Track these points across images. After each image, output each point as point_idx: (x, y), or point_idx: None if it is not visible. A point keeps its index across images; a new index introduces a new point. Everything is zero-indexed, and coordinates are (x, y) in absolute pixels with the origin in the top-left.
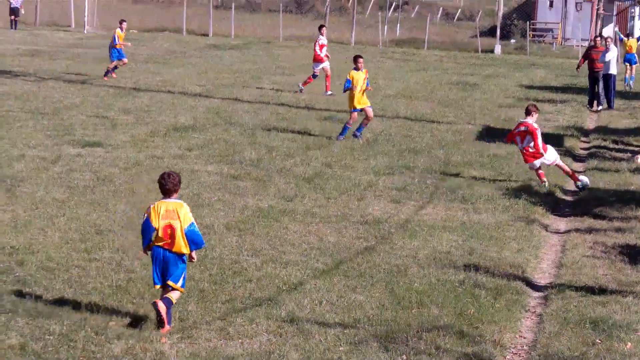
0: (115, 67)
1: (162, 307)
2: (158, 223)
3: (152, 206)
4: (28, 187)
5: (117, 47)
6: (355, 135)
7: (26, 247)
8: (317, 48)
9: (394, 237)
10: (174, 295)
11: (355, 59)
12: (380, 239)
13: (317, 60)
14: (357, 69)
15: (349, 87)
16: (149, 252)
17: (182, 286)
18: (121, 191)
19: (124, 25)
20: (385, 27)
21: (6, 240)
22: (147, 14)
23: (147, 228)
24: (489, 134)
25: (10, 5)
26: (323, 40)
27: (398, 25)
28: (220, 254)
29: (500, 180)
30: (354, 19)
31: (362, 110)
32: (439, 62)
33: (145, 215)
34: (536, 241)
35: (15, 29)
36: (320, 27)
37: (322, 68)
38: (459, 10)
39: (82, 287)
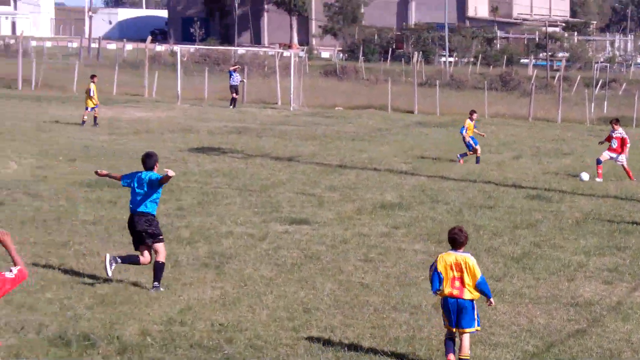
0: (465, 154)
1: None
2: (446, 273)
3: (440, 256)
4: (236, 264)
5: (466, 137)
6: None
7: (235, 324)
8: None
9: (606, 320)
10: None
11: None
12: (591, 322)
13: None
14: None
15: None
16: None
17: (478, 324)
18: (328, 269)
19: (475, 115)
20: (592, 104)
21: (215, 317)
22: (353, 92)
23: (435, 276)
24: None
25: (230, 83)
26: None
27: (605, 102)
28: (429, 334)
29: None
30: (560, 96)
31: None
32: None
33: (434, 265)
34: None
35: (235, 106)
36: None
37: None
38: None
39: None
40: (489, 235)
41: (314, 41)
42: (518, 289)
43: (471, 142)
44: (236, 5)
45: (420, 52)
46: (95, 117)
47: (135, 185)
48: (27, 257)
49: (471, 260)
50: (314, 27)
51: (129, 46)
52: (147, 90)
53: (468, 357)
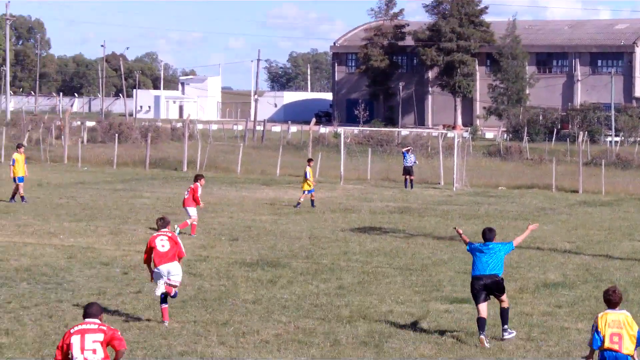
0: None
1: None
2: (605, 331)
3: (599, 316)
4: (396, 343)
5: None
6: None
7: None
8: None
9: None
10: None
11: None
12: None
13: None
14: None
15: None
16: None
17: None
18: (490, 349)
19: None
20: None
21: None
22: (517, 171)
23: (595, 335)
24: None
25: (404, 164)
26: None
27: None
28: None
29: None
30: None
31: None
32: None
33: (594, 325)
34: None
35: (412, 188)
36: None
37: None
38: None
39: None
40: None
41: (478, 122)
42: None
43: None
44: (401, 87)
45: (586, 132)
46: (312, 200)
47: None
48: (188, 336)
49: (628, 316)
50: (478, 108)
51: (294, 128)
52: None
53: None
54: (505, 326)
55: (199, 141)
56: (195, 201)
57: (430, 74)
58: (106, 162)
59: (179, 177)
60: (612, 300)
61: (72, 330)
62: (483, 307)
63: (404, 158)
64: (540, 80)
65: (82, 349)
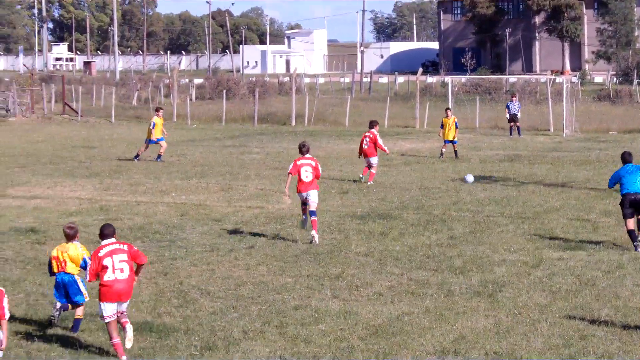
0: None
1: None
2: None
3: None
4: (510, 292)
5: None
6: None
7: (509, 353)
8: None
9: None
10: None
11: None
12: None
13: None
14: None
15: None
16: None
17: None
18: (604, 295)
19: None
20: None
21: (489, 346)
22: (627, 116)
23: None
24: None
25: (508, 111)
26: None
27: None
28: None
29: None
30: None
31: None
32: None
33: None
34: None
35: (519, 134)
36: None
37: None
38: None
39: None
40: None
41: (586, 66)
42: None
43: None
44: (508, 34)
45: None
46: (455, 151)
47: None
48: (301, 290)
49: None
50: (586, 53)
51: (400, 79)
52: (418, 121)
53: None
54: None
55: (307, 95)
56: (380, 149)
57: (537, 20)
58: (215, 119)
59: (287, 131)
60: None
61: (100, 254)
62: (630, 221)
63: (507, 107)
64: None
65: (114, 269)
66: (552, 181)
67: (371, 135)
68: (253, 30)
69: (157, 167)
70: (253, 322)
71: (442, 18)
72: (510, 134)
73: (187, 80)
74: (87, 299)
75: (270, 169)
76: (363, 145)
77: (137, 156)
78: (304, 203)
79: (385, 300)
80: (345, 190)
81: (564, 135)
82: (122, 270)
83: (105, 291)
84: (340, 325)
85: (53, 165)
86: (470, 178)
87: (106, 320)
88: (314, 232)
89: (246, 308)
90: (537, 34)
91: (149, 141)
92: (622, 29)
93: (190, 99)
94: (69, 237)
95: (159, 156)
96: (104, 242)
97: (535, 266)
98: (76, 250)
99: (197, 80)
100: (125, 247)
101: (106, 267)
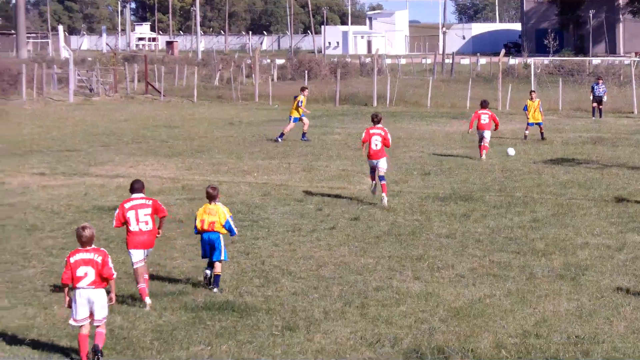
0: None
1: None
2: None
3: None
4: (592, 276)
5: None
6: None
7: (591, 337)
8: None
9: None
10: None
11: None
12: None
13: None
14: None
15: None
16: None
17: None
18: None
19: None
20: None
21: (571, 329)
22: None
23: None
24: None
25: (593, 94)
26: None
27: None
28: None
29: None
30: None
31: None
32: None
33: None
34: None
35: (600, 117)
36: None
37: None
38: None
39: None
40: None
41: None
42: None
43: None
44: (591, 15)
45: None
46: (541, 133)
47: None
48: (382, 271)
49: None
50: None
51: (482, 60)
52: (500, 103)
53: None
54: None
55: (388, 76)
56: (496, 125)
57: (621, 0)
58: None
59: (369, 112)
60: None
61: (126, 206)
62: None
63: (592, 89)
64: None
65: (137, 221)
66: (636, 164)
67: (490, 113)
68: (334, 10)
69: (239, 147)
70: (334, 302)
71: None
72: (593, 116)
73: (268, 60)
74: (225, 259)
75: (352, 150)
76: (481, 121)
77: (281, 135)
78: (373, 170)
79: (466, 283)
80: (427, 171)
81: None
82: (146, 222)
83: (131, 240)
84: (421, 307)
85: (135, 145)
86: (511, 151)
87: (135, 267)
88: (383, 195)
89: (327, 289)
90: (620, 16)
91: (294, 119)
92: None
93: (272, 79)
94: (212, 198)
95: (304, 134)
96: (133, 195)
97: (619, 249)
98: (218, 209)
99: (279, 61)
100: (150, 202)
101: (129, 219)
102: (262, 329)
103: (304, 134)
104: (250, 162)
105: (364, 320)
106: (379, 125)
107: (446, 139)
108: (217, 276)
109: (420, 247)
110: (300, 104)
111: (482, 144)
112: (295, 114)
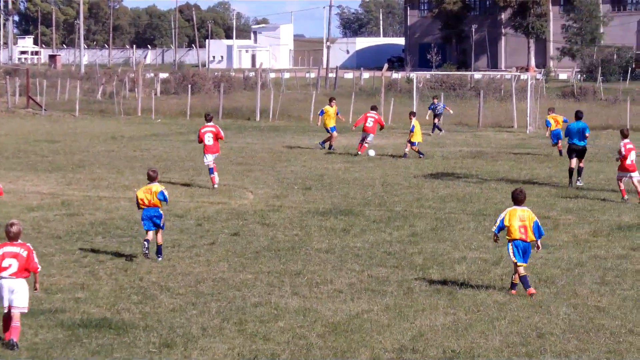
0: None
1: None
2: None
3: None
4: (469, 290)
5: None
6: None
7: (467, 351)
8: None
9: None
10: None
11: None
12: None
13: None
14: None
15: None
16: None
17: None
18: (563, 292)
19: None
20: None
21: (447, 344)
22: (591, 112)
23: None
24: None
25: (434, 111)
26: None
27: None
28: None
29: None
30: None
31: None
32: None
33: None
34: None
35: (440, 131)
36: None
37: None
38: None
39: None
40: None
41: (551, 63)
42: None
43: None
44: (473, 30)
45: None
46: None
47: None
48: (261, 287)
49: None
50: (551, 49)
51: (366, 75)
52: (382, 117)
53: None
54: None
55: (272, 90)
56: (382, 126)
57: (504, 16)
58: (179, 114)
59: (252, 126)
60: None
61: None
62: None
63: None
64: (615, 18)
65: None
66: (515, 178)
67: (376, 117)
68: (219, 24)
69: (120, 162)
70: (212, 319)
71: (408, 14)
72: (432, 131)
73: (152, 74)
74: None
75: (234, 164)
76: (367, 123)
77: (329, 146)
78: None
79: (345, 298)
80: (309, 186)
81: (528, 132)
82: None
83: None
84: (299, 322)
85: (16, 160)
86: (372, 152)
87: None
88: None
89: (206, 305)
90: (502, 31)
91: (331, 128)
92: (587, 26)
93: (155, 94)
94: (152, 179)
95: (323, 142)
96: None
97: (495, 264)
98: (157, 188)
99: (163, 75)
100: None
101: None
102: (139, 346)
103: (324, 141)
104: (131, 177)
105: (242, 336)
106: (211, 124)
107: (328, 154)
108: (159, 246)
109: (299, 262)
110: (321, 114)
111: (363, 143)
112: (332, 124)
